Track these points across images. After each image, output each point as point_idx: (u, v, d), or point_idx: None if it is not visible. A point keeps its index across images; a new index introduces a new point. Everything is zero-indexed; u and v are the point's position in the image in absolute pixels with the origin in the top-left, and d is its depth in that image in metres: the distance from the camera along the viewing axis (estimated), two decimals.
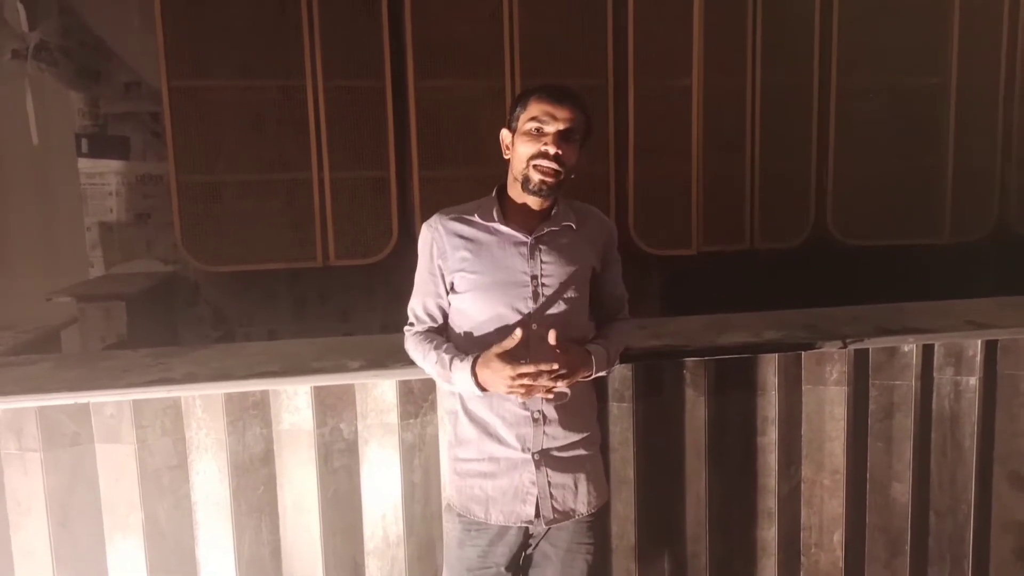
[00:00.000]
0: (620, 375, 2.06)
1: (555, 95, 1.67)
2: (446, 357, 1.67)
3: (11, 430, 1.87)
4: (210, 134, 4.10)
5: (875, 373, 2.18)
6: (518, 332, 1.60)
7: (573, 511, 1.70)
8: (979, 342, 2.18)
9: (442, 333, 1.78)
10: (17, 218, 4.62)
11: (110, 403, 1.90)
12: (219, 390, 1.92)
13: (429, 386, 2.01)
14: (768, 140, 4.50)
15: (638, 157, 4.38)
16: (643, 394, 2.08)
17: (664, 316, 2.46)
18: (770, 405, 2.14)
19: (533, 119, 1.66)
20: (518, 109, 1.70)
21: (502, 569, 1.71)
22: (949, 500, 2.24)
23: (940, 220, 4.63)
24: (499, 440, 1.68)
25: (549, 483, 1.68)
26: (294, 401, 1.98)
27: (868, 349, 2.16)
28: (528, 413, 1.67)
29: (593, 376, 1.71)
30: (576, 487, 1.71)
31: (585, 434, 1.74)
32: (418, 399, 2.01)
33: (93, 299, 3.77)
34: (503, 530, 1.69)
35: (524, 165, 1.67)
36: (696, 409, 2.11)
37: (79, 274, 4.42)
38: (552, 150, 1.64)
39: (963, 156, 4.58)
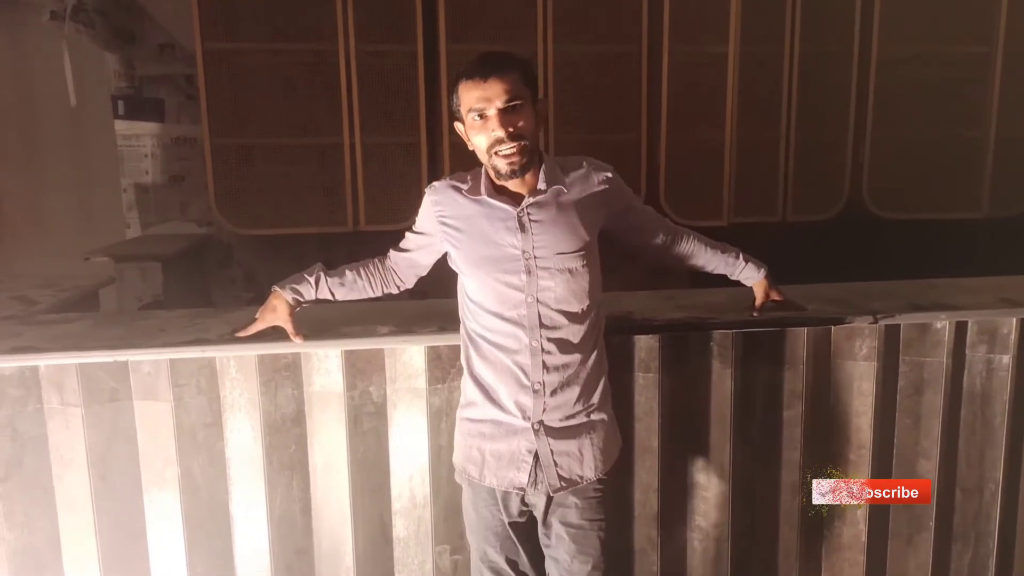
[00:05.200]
0: (647, 345, 2.06)
1: (479, 73, 1.56)
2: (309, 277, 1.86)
3: (53, 384, 1.94)
4: (243, 97, 4.12)
5: (906, 349, 2.16)
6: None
7: (581, 477, 1.69)
8: (1014, 320, 2.14)
9: (384, 269, 1.89)
10: (56, 178, 4.70)
11: (147, 361, 1.95)
12: (252, 351, 1.96)
13: (456, 352, 2.03)
14: (804, 110, 4.41)
15: (670, 125, 4.33)
16: (669, 365, 2.08)
17: (693, 288, 2.45)
18: (797, 379, 2.13)
19: (471, 109, 1.58)
20: (455, 99, 1.62)
21: (522, 520, 1.73)
22: (976, 478, 2.22)
23: (978, 194, 4.53)
24: (500, 406, 1.68)
25: (552, 451, 1.66)
26: (325, 364, 2.01)
27: (899, 325, 2.13)
28: (529, 384, 1.65)
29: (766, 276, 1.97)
30: (582, 453, 1.69)
31: (589, 402, 1.70)
32: (446, 364, 2.03)
33: (130, 259, 3.84)
34: (504, 492, 1.70)
35: (488, 157, 1.61)
36: (722, 381, 2.11)
37: (116, 234, 4.51)
38: (501, 133, 1.56)
39: (1005, 129, 4.46)
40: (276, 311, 1.88)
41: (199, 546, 2.02)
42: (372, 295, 1.90)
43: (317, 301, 1.89)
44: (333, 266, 1.92)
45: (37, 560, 1.98)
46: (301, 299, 1.87)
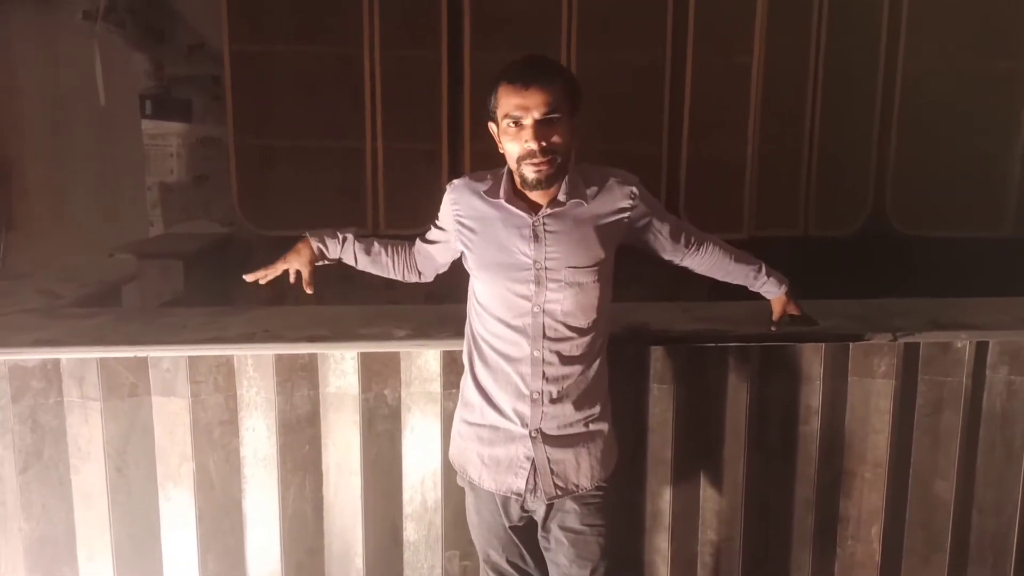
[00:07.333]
0: (662, 356, 2.06)
1: (521, 79, 1.50)
2: (348, 236, 1.88)
3: (73, 378, 1.97)
4: (269, 100, 4.17)
5: (925, 368, 2.13)
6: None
7: (577, 486, 1.66)
8: None
9: (408, 255, 1.90)
10: (83, 175, 4.77)
11: (167, 358, 1.97)
12: (270, 351, 1.98)
13: None
14: (828, 123, 4.38)
15: (692, 136, 4.32)
16: (685, 377, 2.08)
17: (711, 300, 2.44)
18: (814, 394, 2.11)
19: (507, 115, 1.52)
20: (492, 99, 1.55)
21: (522, 524, 1.72)
22: (994, 499, 2.19)
23: (1003, 212, 4.47)
24: (500, 412, 1.66)
25: (549, 459, 1.64)
26: (341, 365, 2.03)
27: (919, 343, 2.11)
28: (528, 392, 1.62)
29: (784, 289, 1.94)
30: (578, 462, 1.66)
31: (589, 413, 1.67)
32: (461, 369, 2.03)
33: (152, 257, 3.89)
34: (504, 497, 1.68)
35: (516, 164, 1.56)
36: (738, 395, 2.10)
37: (139, 232, 4.57)
38: (533, 146, 1.50)
39: None
40: (299, 253, 1.90)
41: (211, 542, 2.04)
42: (393, 275, 1.92)
43: (340, 262, 1.90)
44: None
45: (53, 550, 2.01)
46: (326, 252, 1.88)
